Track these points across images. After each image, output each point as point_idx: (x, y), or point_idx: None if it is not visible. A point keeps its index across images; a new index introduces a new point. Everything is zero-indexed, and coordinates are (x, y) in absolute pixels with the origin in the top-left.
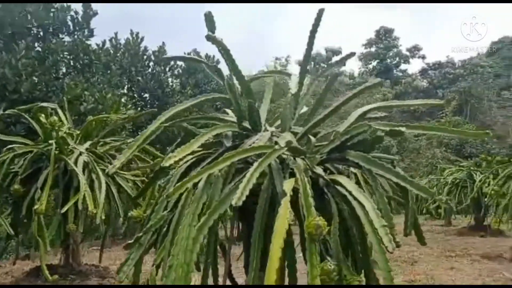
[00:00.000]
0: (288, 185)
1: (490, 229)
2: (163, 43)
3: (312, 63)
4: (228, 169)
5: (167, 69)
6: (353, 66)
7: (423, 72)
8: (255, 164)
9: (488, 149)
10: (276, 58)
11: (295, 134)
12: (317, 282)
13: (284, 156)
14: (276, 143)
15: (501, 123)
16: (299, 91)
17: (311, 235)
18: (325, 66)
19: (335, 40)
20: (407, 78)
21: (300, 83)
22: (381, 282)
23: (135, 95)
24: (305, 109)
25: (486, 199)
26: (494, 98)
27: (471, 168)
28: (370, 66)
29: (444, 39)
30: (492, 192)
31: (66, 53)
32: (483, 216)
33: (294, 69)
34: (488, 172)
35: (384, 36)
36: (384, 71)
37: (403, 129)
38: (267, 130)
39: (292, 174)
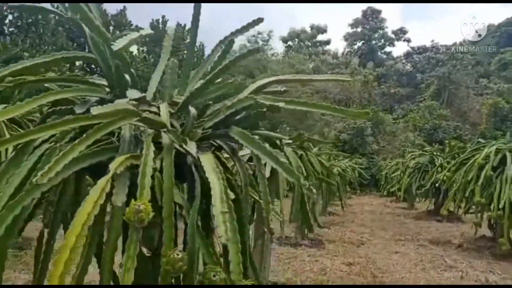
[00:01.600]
0: (116, 161)
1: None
2: (124, 7)
3: (297, 40)
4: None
5: None
6: (339, 46)
7: (407, 55)
8: (84, 135)
9: (460, 135)
10: (258, 33)
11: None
12: (130, 275)
13: (142, 128)
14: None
15: (476, 110)
16: (190, 59)
17: (129, 221)
18: (310, 44)
19: (322, 17)
20: (390, 60)
21: (191, 51)
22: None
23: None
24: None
25: (438, 184)
26: (472, 85)
27: (434, 153)
28: (355, 47)
29: (431, 25)
30: (445, 177)
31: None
32: (442, 201)
33: (276, 45)
34: (449, 157)
35: (371, 17)
36: (369, 52)
37: (281, 104)
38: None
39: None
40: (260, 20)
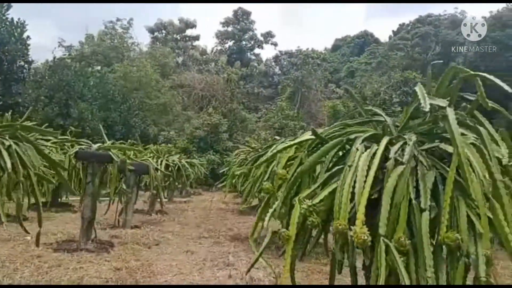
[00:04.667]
0: None
1: None
2: None
3: (164, 32)
4: None
5: None
6: (209, 43)
7: (276, 58)
8: None
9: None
10: (117, 19)
11: None
12: None
13: None
14: None
15: (323, 112)
16: None
17: None
18: (178, 38)
19: (194, 13)
20: (255, 62)
21: None
22: None
23: None
24: None
25: (235, 181)
26: (321, 89)
27: (259, 150)
28: (226, 46)
29: (300, 31)
30: (241, 173)
31: None
32: None
33: (140, 34)
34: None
35: (242, 17)
36: (238, 52)
37: None
38: None
39: None
40: None
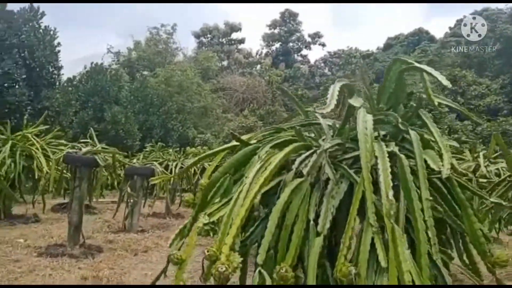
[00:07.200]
0: None
1: None
2: None
3: (209, 36)
4: None
5: None
6: (256, 45)
7: (325, 59)
8: None
9: None
10: (162, 25)
11: None
12: None
13: None
14: None
15: None
16: None
17: None
18: (224, 41)
19: (239, 16)
20: (298, 63)
21: None
22: None
23: None
24: None
25: None
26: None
27: None
28: (273, 48)
29: (348, 30)
30: None
31: None
32: None
33: (187, 39)
34: None
35: (289, 19)
36: (284, 54)
37: None
38: None
39: None
40: None
